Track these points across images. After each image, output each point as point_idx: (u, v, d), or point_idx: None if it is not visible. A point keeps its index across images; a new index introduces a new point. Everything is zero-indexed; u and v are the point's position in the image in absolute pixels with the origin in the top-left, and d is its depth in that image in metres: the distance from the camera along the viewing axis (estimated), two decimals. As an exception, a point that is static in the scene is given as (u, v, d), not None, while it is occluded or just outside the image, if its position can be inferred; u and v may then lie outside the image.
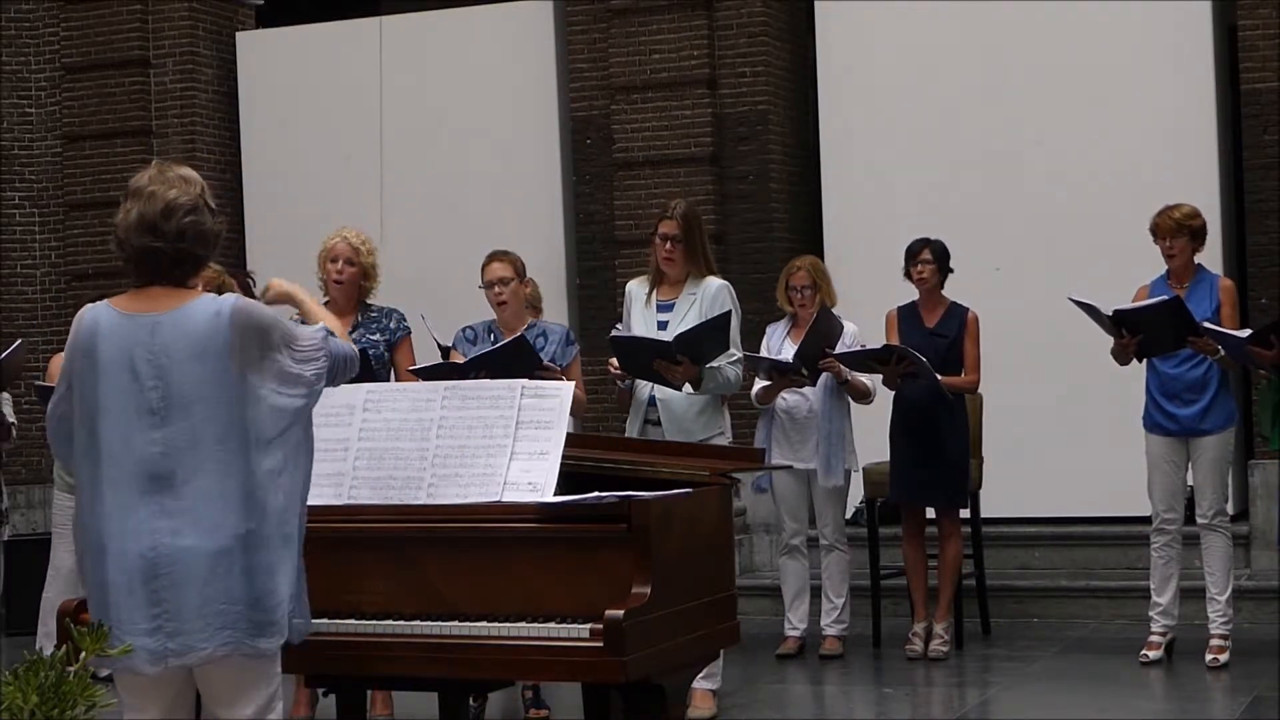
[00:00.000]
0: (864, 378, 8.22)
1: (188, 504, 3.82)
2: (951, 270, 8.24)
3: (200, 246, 3.97)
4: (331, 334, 4.04)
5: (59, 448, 4.05)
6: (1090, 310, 7.53)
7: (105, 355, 3.89)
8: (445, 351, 7.23)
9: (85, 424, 3.92)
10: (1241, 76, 9.50)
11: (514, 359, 6.54)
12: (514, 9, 11.01)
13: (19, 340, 8.44)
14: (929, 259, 8.13)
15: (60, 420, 4.00)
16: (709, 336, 6.75)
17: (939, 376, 7.96)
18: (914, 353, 7.85)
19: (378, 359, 6.95)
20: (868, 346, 8.05)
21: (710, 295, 6.92)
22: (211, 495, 3.83)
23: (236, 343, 3.86)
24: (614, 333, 6.97)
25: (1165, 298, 7.48)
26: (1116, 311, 7.46)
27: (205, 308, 3.90)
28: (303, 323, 4.25)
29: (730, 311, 6.89)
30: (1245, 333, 7.36)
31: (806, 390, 8.16)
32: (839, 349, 8.03)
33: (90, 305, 4.01)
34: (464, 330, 7.26)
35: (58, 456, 4.10)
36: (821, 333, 7.89)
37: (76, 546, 3.98)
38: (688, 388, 6.80)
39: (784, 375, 8.00)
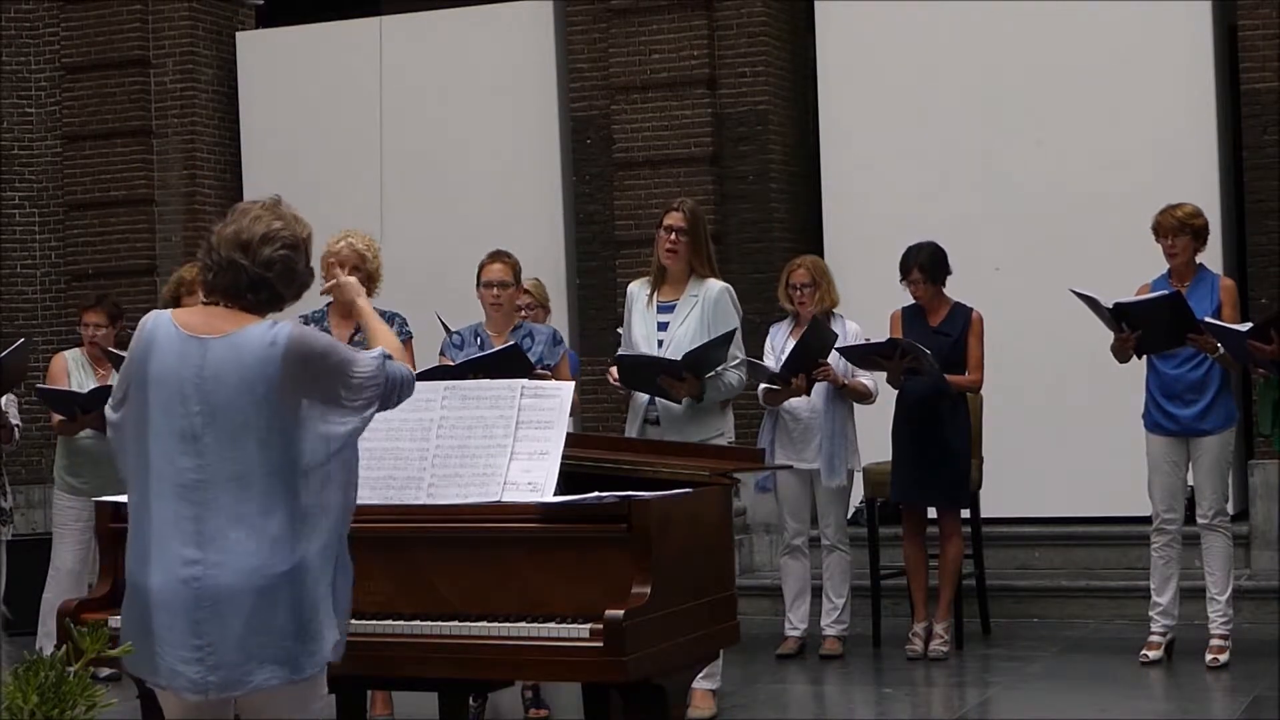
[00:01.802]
0: (866, 379, 8.22)
1: (232, 537, 3.75)
2: (950, 271, 8.23)
3: (283, 283, 3.90)
4: (389, 357, 3.96)
5: (117, 454, 3.98)
6: (1091, 303, 7.53)
7: (155, 372, 3.83)
8: (447, 331, 7.25)
9: (138, 437, 3.86)
10: (1241, 76, 9.50)
11: (507, 366, 6.53)
12: (514, 9, 11.01)
13: (21, 339, 8.43)
14: (918, 277, 8.10)
15: (117, 429, 3.94)
16: (714, 351, 6.77)
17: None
18: (918, 346, 7.84)
19: None
20: (872, 341, 8.05)
21: (712, 298, 6.92)
22: (256, 528, 3.76)
23: (288, 376, 3.79)
24: (620, 352, 6.96)
25: (1166, 293, 7.48)
26: (1117, 304, 7.46)
27: (260, 336, 3.81)
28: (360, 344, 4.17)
29: (736, 328, 6.91)
30: (1245, 326, 7.36)
31: (808, 389, 8.16)
32: (843, 343, 8.03)
33: (155, 313, 3.95)
34: (451, 335, 7.26)
35: (118, 462, 4.00)
36: (812, 343, 7.85)
37: (127, 552, 3.90)
38: (688, 400, 6.81)
39: (785, 383, 7.99)
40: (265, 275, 3.87)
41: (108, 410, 4.01)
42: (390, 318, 7.13)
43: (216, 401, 3.79)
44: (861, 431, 8.38)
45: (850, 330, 8.24)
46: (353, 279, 4.47)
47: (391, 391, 3.95)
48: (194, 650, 3.74)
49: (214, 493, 3.78)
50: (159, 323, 3.90)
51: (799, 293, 8.24)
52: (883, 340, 8.00)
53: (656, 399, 6.91)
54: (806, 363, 7.83)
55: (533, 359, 6.87)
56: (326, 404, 3.84)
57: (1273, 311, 8.37)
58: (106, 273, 11.26)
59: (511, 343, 6.87)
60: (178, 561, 3.76)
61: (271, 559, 3.75)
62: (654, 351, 6.90)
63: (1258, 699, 7.05)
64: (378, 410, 3.94)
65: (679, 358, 6.75)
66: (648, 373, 6.79)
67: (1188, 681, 7.51)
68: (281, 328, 3.85)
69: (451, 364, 6.87)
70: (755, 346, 8.41)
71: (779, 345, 8.25)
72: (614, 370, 6.97)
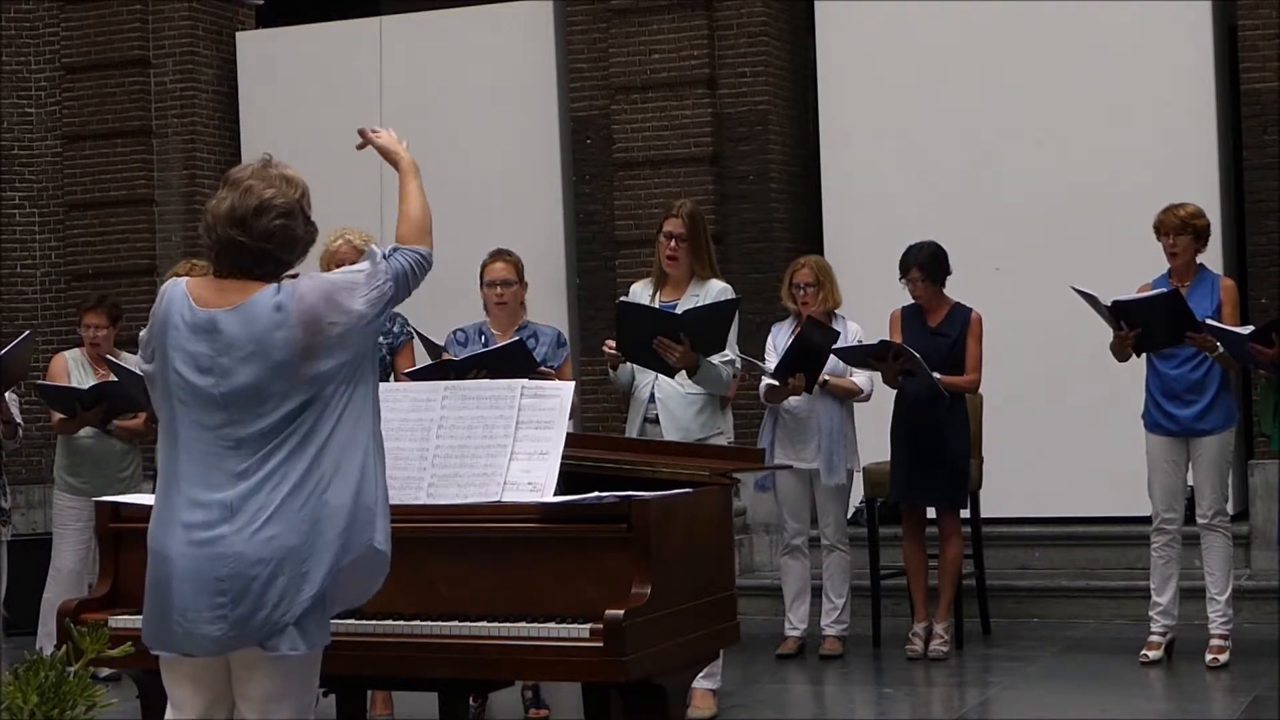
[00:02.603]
0: (859, 377, 8.21)
1: (254, 500, 3.79)
2: (949, 271, 8.23)
3: (285, 251, 3.92)
4: (392, 252, 4.02)
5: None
6: (1091, 300, 7.54)
7: (173, 345, 3.88)
8: (438, 351, 7.21)
9: (165, 405, 3.92)
10: (1241, 76, 9.50)
11: (510, 362, 6.53)
12: (514, 9, 11.01)
13: (27, 332, 8.43)
14: (917, 276, 8.11)
15: (150, 380, 3.99)
16: (714, 323, 6.74)
17: (938, 376, 7.96)
18: (910, 350, 7.85)
19: (381, 364, 6.91)
20: (865, 343, 8.06)
21: (712, 297, 6.92)
22: (278, 492, 3.79)
23: (301, 333, 3.82)
24: (621, 298, 6.93)
25: (1164, 290, 7.48)
26: (1116, 302, 7.47)
27: (266, 302, 3.84)
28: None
29: (737, 301, 6.89)
30: (1247, 329, 7.37)
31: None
32: (844, 344, 8.03)
33: (173, 282, 3.98)
34: (455, 333, 7.26)
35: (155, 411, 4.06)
36: (811, 340, 7.85)
37: (152, 519, 3.93)
38: (682, 378, 6.78)
39: (782, 381, 7.99)
40: (266, 247, 3.89)
41: (142, 364, 4.05)
42: (392, 319, 7.13)
43: (233, 373, 3.82)
44: (861, 431, 8.38)
45: (852, 330, 8.23)
46: (388, 135, 4.43)
47: (401, 285, 4.03)
48: (215, 609, 3.77)
49: (237, 460, 3.82)
50: (174, 295, 3.93)
51: (802, 292, 8.24)
52: (875, 342, 8.00)
53: (656, 399, 6.90)
54: (805, 361, 7.83)
55: (536, 359, 6.87)
56: (343, 331, 3.86)
57: (1274, 315, 8.37)
58: (106, 273, 11.26)
59: (516, 338, 6.86)
60: (202, 524, 3.80)
61: (291, 522, 3.78)
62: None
63: (1258, 699, 7.05)
64: (389, 307, 4.01)
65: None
66: (645, 332, 6.72)
67: (1188, 681, 7.51)
68: (285, 292, 3.86)
69: (454, 359, 6.86)
70: (756, 346, 8.42)
71: (780, 344, 8.24)
72: (610, 343, 6.92)
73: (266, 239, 3.88)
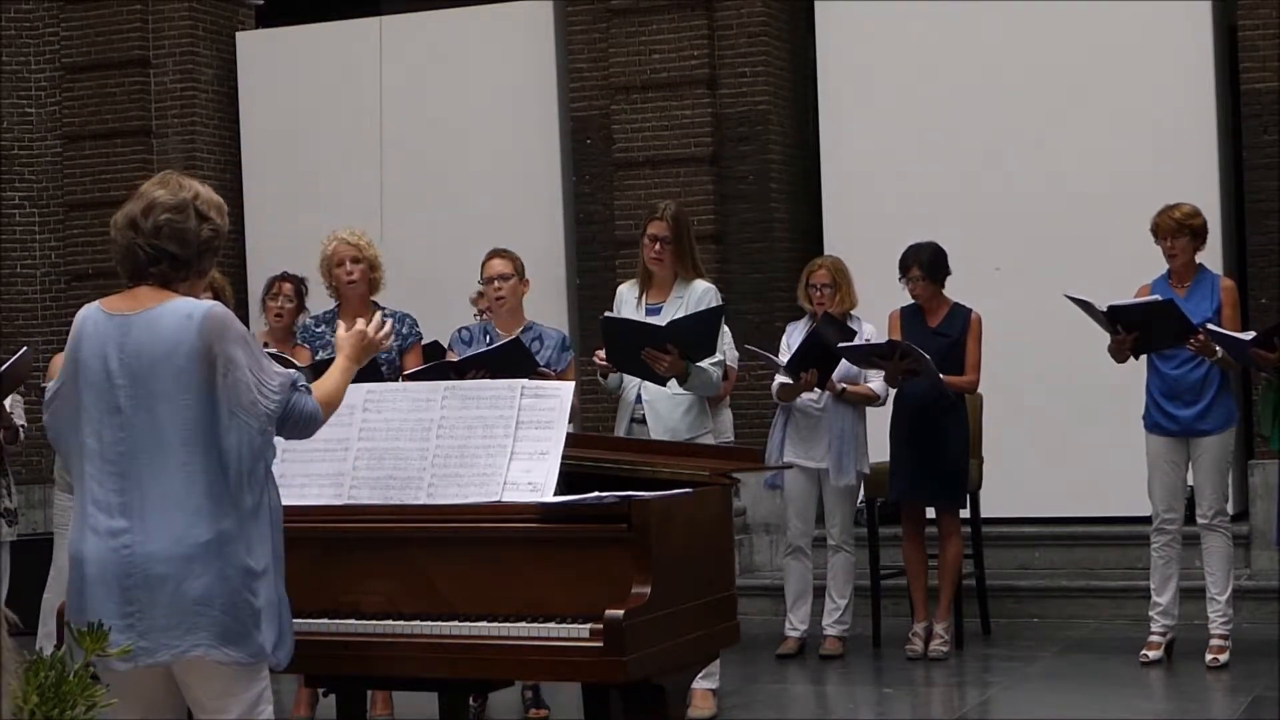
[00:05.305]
0: (878, 384, 8.20)
1: (155, 504, 3.83)
2: (949, 272, 8.23)
3: (177, 245, 3.94)
4: (303, 387, 4.00)
5: (55, 444, 4.09)
6: (1086, 307, 7.54)
7: (84, 355, 3.94)
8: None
9: (74, 422, 3.97)
10: (1241, 76, 9.50)
11: (510, 360, 6.54)
12: (514, 9, 11.01)
13: (24, 348, 8.43)
14: (918, 275, 8.11)
15: (53, 416, 4.04)
16: (700, 331, 6.74)
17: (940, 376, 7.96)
18: (916, 348, 7.85)
19: (390, 364, 6.92)
20: (872, 342, 8.06)
21: (696, 298, 6.93)
22: (178, 496, 3.83)
23: (205, 347, 3.85)
24: (605, 314, 6.96)
25: (1159, 299, 7.48)
26: (1112, 307, 7.47)
27: (178, 309, 3.90)
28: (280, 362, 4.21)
29: (722, 308, 6.89)
30: (1248, 335, 7.37)
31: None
32: (847, 344, 8.03)
33: (85, 306, 4.05)
34: (459, 331, 7.27)
35: (57, 452, 4.13)
36: (822, 340, 7.85)
37: (69, 534, 4.00)
38: (673, 384, 6.78)
39: (794, 377, 7.99)
40: (156, 243, 3.94)
41: (45, 415, 4.09)
42: (400, 318, 7.12)
43: (139, 374, 3.87)
44: (862, 432, 8.38)
45: (867, 331, 8.24)
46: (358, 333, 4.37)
47: (291, 415, 3.96)
48: (124, 618, 3.80)
49: (137, 462, 3.86)
50: (87, 313, 4.01)
51: (819, 293, 8.24)
52: (882, 341, 8.01)
53: (643, 399, 6.90)
54: (818, 358, 7.83)
55: (541, 363, 6.87)
56: (238, 397, 3.86)
57: (1275, 315, 8.37)
58: (106, 273, 11.23)
59: (514, 335, 6.86)
60: (107, 532, 3.85)
61: (194, 527, 3.83)
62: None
63: (1258, 699, 7.05)
64: (274, 427, 3.94)
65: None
66: (632, 344, 6.73)
67: (1188, 681, 7.51)
68: (201, 304, 3.93)
69: (454, 360, 6.86)
70: (762, 345, 8.41)
71: (795, 344, 8.24)
72: (600, 353, 6.93)
73: (156, 235, 3.93)
